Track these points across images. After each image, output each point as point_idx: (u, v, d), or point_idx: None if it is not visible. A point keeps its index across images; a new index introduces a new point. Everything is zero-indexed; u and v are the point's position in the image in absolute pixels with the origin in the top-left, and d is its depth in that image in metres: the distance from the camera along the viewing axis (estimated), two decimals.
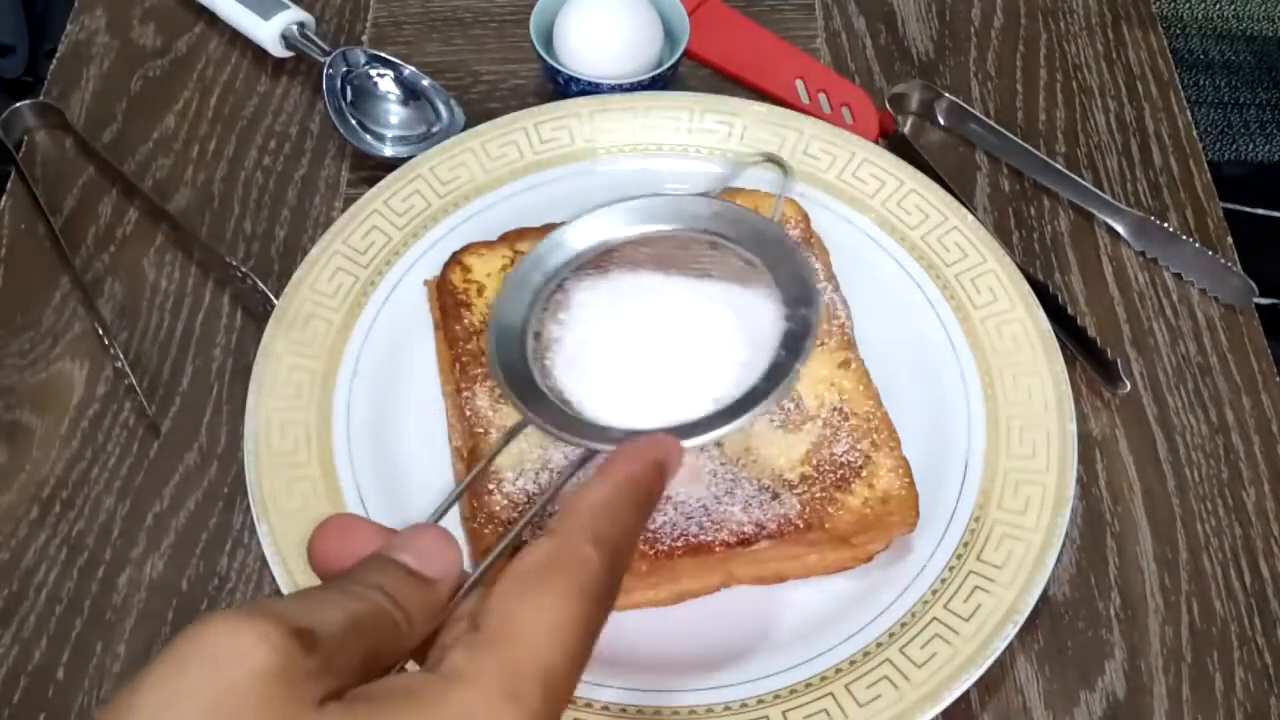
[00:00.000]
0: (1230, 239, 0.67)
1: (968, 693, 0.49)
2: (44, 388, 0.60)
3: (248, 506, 0.53)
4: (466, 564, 0.33)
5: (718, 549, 0.50)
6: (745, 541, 0.50)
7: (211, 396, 0.60)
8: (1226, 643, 0.53)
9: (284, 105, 0.72)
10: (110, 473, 0.57)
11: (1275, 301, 0.69)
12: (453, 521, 0.53)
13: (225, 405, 0.59)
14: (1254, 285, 0.63)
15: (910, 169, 0.64)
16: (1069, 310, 0.62)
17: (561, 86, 0.69)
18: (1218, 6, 1.62)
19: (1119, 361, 0.60)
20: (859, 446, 0.52)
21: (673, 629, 0.51)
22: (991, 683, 0.51)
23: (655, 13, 0.70)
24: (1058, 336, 0.59)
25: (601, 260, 0.47)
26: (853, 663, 0.49)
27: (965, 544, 0.52)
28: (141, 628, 0.53)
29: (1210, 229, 0.67)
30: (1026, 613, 0.50)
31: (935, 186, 0.64)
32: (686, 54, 0.70)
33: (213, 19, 0.75)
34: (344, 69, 0.70)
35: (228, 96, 0.72)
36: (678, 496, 0.51)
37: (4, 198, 0.67)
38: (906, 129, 0.71)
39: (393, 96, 0.70)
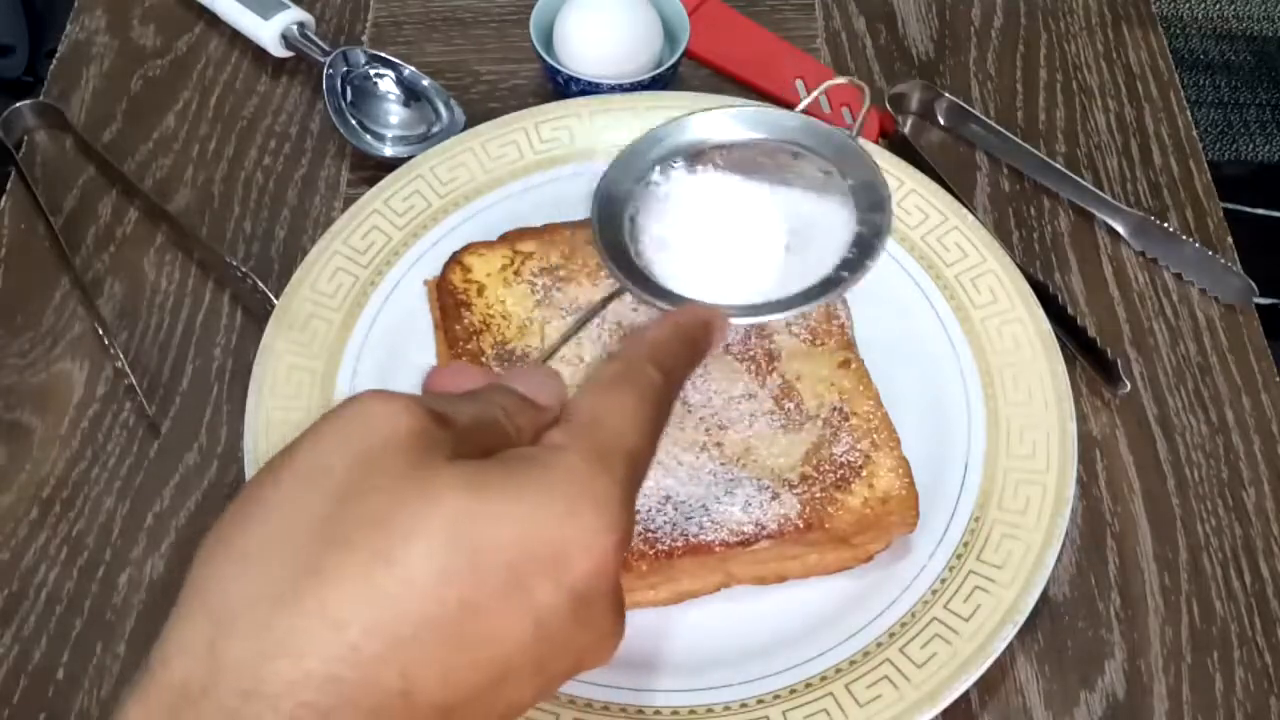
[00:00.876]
0: (1230, 239, 0.67)
1: (968, 693, 0.49)
2: (44, 388, 0.60)
3: None
4: None
5: (718, 549, 0.50)
6: (745, 541, 0.50)
7: (211, 396, 0.60)
8: (1226, 643, 0.53)
9: (284, 105, 0.72)
10: (110, 473, 0.57)
11: (1275, 301, 0.69)
12: None
13: (225, 405, 0.59)
14: (1254, 285, 0.63)
15: (910, 169, 0.64)
16: (1069, 310, 0.62)
17: (561, 86, 0.69)
18: (1218, 6, 1.62)
19: (1119, 361, 0.60)
20: (859, 446, 0.52)
21: (673, 629, 0.51)
22: (991, 683, 0.51)
23: (655, 13, 0.70)
24: (1058, 336, 0.59)
25: (697, 157, 0.50)
26: (853, 663, 0.49)
27: (965, 544, 0.52)
28: (141, 628, 0.53)
29: (1210, 229, 0.67)
30: (1026, 613, 0.50)
31: (935, 186, 0.64)
32: (686, 54, 0.70)
33: (213, 19, 0.75)
34: (344, 69, 0.70)
35: (228, 96, 0.72)
36: (677, 497, 0.51)
37: (4, 198, 0.67)
38: (906, 129, 0.71)
39: (393, 96, 0.70)
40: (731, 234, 0.50)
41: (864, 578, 0.52)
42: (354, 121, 0.69)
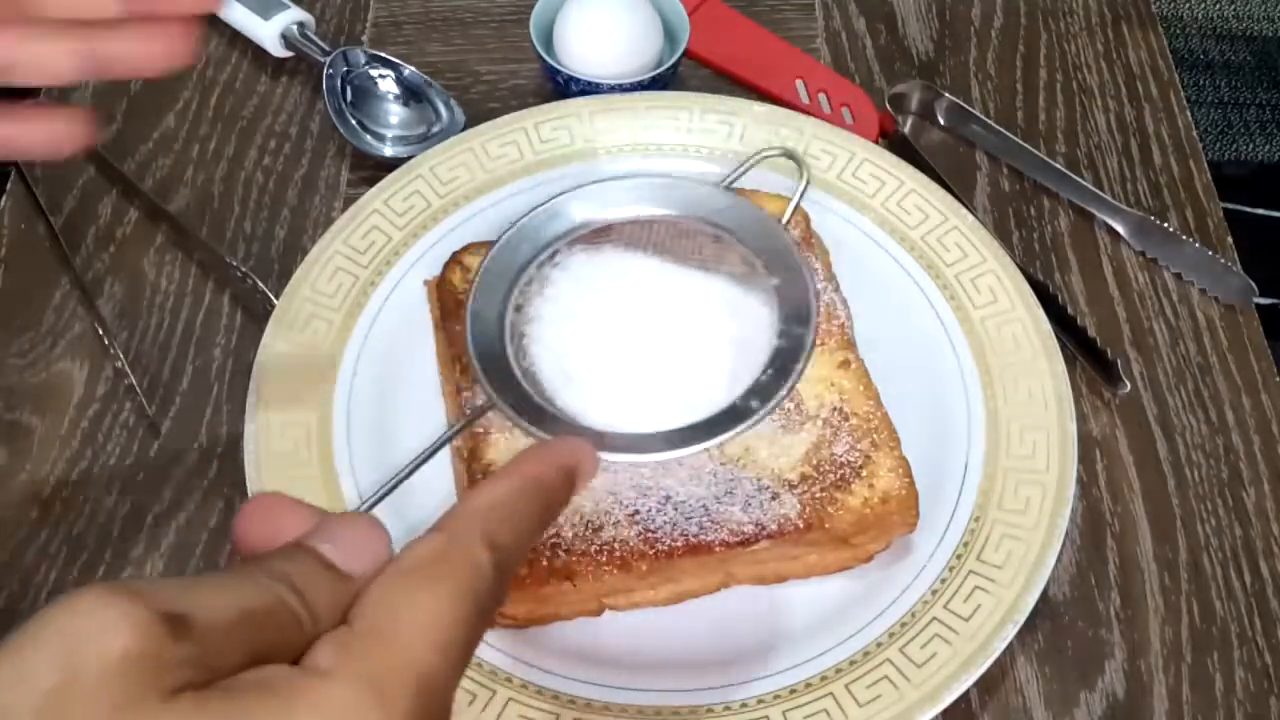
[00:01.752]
0: (1230, 239, 0.67)
1: (968, 693, 0.49)
2: (44, 388, 0.60)
3: None
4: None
5: (718, 549, 0.50)
6: (745, 541, 0.50)
7: (211, 396, 0.60)
8: (1226, 643, 0.53)
9: (284, 105, 0.72)
10: (110, 473, 0.57)
11: (1275, 301, 0.69)
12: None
13: (225, 405, 0.59)
14: (1254, 285, 0.63)
15: (910, 169, 0.64)
16: (1069, 310, 0.62)
17: (561, 86, 0.69)
18: (1218, 6, 1.62)
19: (1119, 361, 0.60)
20: (859, 446, 0.52)
21: (673, 629, 0.51)
22: (991, 683, 0.51)
23: (655, 13, 0.70)
24: (1058, 336, 0.59)
25: (597, 237, 0.44)
26: (853, 663, 0.49)
27: (965, 544, 0.52)
28: None
29: (1210, 229, 0.67)
30: (1026, 613, 0.50)
31: (935, 186, 0.64)
32: (686, 54, 0.70)
33: (213, 19, 0.75)
34: (344, 69, 0.70)
35: (228, 96, 0.72)
36: (677, 497, 0.51)
37: (4, 198, 0.67)
38: (906, 129, 0.71)
39: (393, 96, 0.70)
40: (649, 338, 0.44)
41: (864, 578, 0.52)
42: (354, 121, 0.69)
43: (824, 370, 0.55)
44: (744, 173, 0.55)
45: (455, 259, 0.59)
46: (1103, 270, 0.65)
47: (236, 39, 0.74)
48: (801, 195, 0.46)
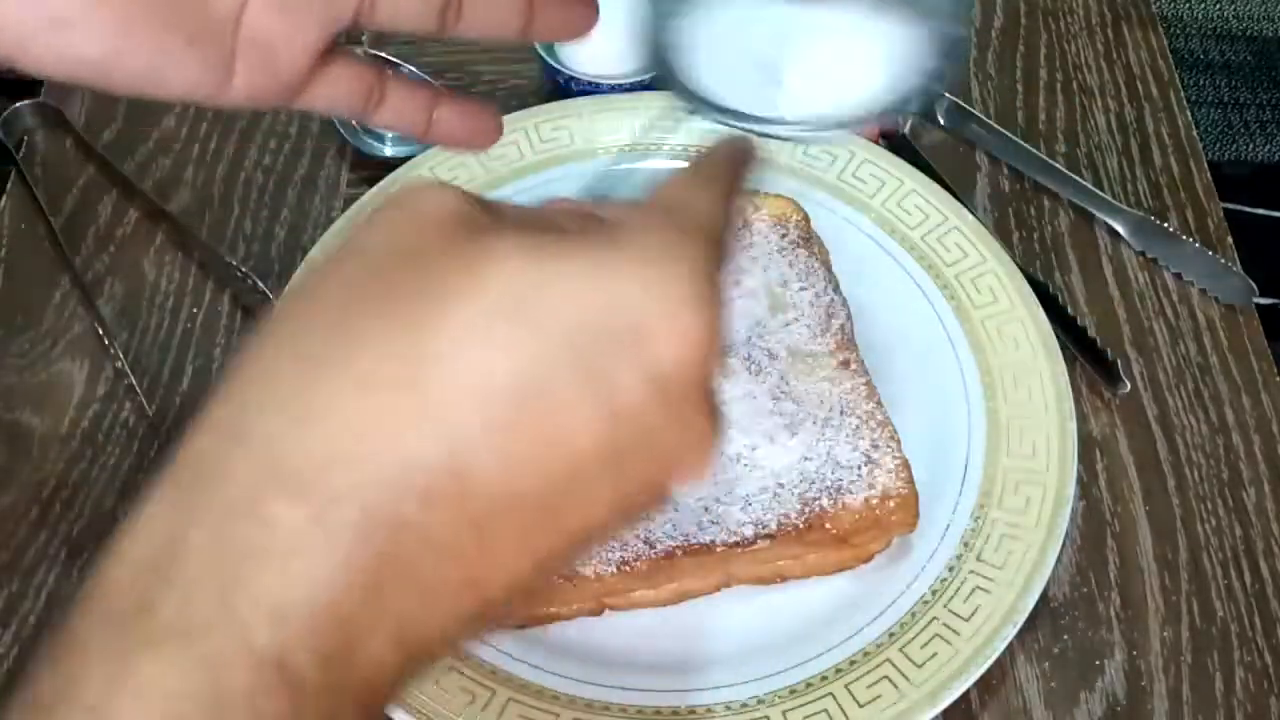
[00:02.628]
0: (1230, 239, 0.67)
1: (968, 693, 0.49)
2: (44, 388, 0.60)
3: None
4: None
5: (718, 549, 0.50)
6: (745, 541, 0.50)
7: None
8: (1226, 643, 0.53)
9: None
10: (110, 473, 0.57)
11: (1275, 301, 0.69)
12: None
13: None
14: (1254, 285, 0.63)
15: (910, 169, 0.64)
16: (1069, 310, 0.62)
17: (561, 86, 0.69)
18: (1218, 6, 1.62)
19: (1119, 361, 0.60)
20: (859, 446, 0.52)
21: (673, 629, 0.51)
22: (991, 683, 0.51)
23: None
24: (1058, 336, 0.59)
25: None
26: (853, 663, 0.49)
27: (965, 544, 0.52)
28: None
29: (1210, 229, 0.67)
30: (1026, 613, 0.50)
31: (935, 186, 0.64)
32: None
33: None
34: None
35: None
36: (678, 496, 0.51)
37: (4, 198, 0.67)
38: (906, 129, 0.71)
39: None
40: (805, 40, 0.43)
41: (864, 578, 0.52)
42: (354, 122, 0.69)
43: (824, 370, 0.55)
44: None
45: None
46: (1103, 270, 0.65)
47: None
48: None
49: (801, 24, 0.45)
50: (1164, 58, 0.75)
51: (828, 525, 0.50)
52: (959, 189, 0.66)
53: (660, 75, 0.41)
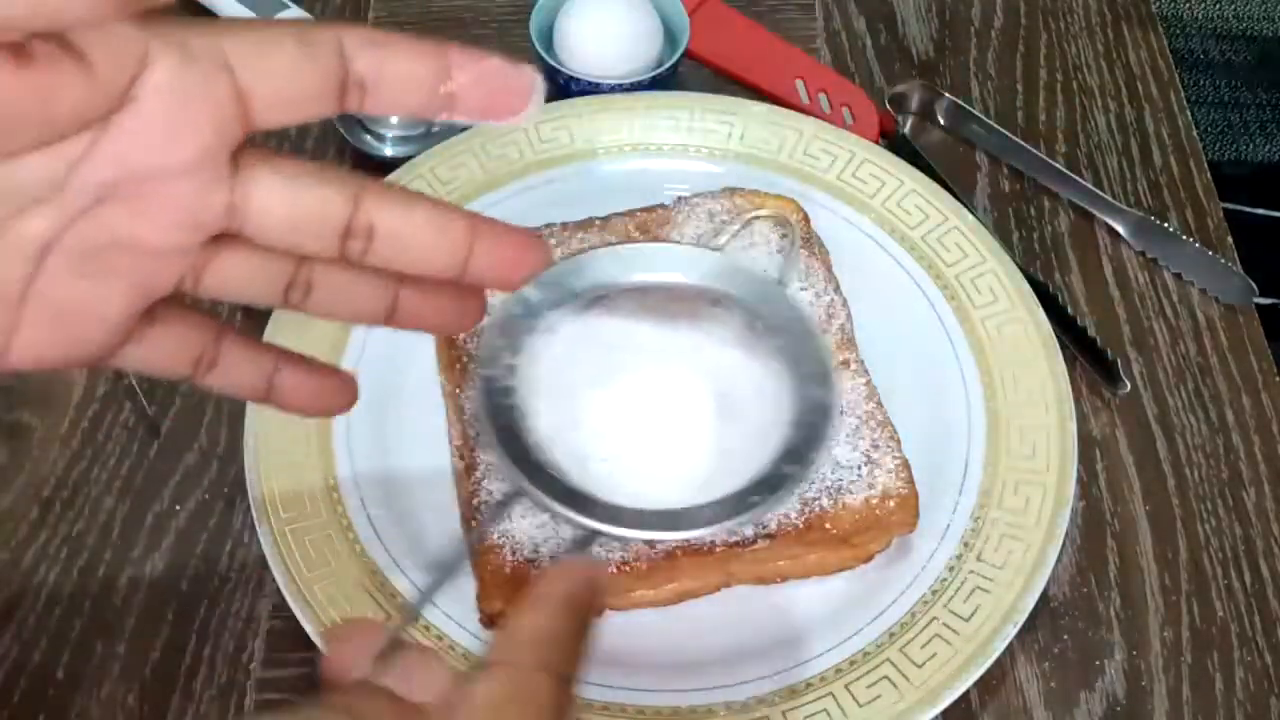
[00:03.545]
0: (1230, 239, 0.67)
1: (968, 693, 0.49)
2: (44, 388, 0.60)
3: (248, 506, 0.53)
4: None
5: (718, 549, 0.50)
6: (745, 541, 0.50)
7: (212, 396, 0.60)
8: (1226, 643, 0.53)
9: None
10: (110, 473, 0.57)
11: (1275, 301, 0.69)
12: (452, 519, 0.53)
13: (225, 405, 0.59)
14: (1254, 285, 0.63)
15: (910, 169, 0.64)
16: (1069, 310, 0.62)
17: (561, 86, 0.69)
18: (1218, 6, 1.62)
19: (1119, 361, 0.60)
20: (859, 446, 0.52)
21: (673, 629, 0.51)
22: (991, 683, 0.51)
23: (655, 13, 0.70)
24: (1058, 336, 0.59)
25: (594, 306, 0.42)
26: (853, 663, 0.49)
27: (965, 544, 0.52)
28: (141, 628, 0.53)
29: (1210, 229, 0.67)
30: (1026, 613, 0.50)
31: (935, 186, 0.64)
32: (686, 54, 0.70)
33: (212, 19, 0.75)
34: None
35: None
36: None
37: None
38: (906, 129, 0.71)
39: None
40: (657, 412, 0.42)
41: (864, 578, 0.52)
42: (354, 121, 0.69)
43: None
44: (737, 233, 0.56)
45: None
46: (1103, 270, 0.65)
47: None
48: (792, 254, 0.47)
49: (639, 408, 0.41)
50: (1164, 58, 0.75)
51: (828, 525, 0.50)
52: (959, 189, 0.66)
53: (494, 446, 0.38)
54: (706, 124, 0.66)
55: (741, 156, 0.65)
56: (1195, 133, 0.71)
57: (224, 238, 0.31)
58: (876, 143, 0.67)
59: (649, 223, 0.60)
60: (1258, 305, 0.64)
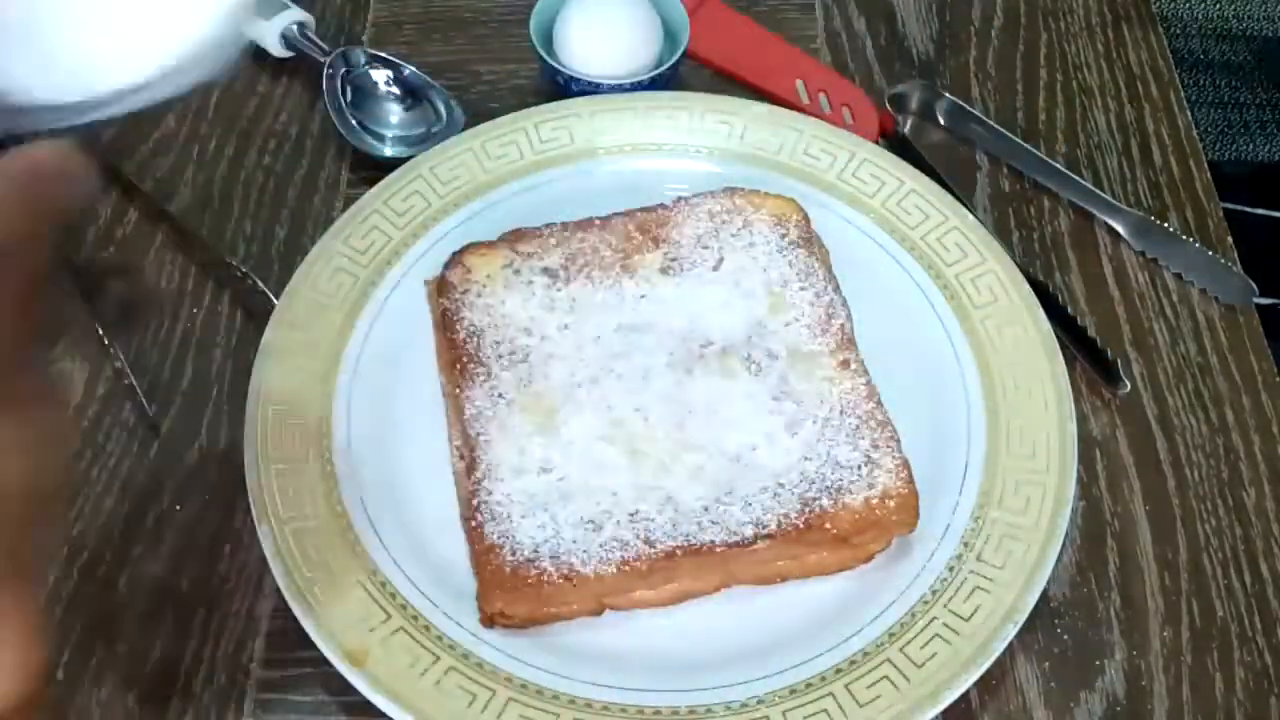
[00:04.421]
0: (1230, 239, 0.67)
1: (968, 693, 0.49)
2: None
3: (248, 506, 0.53)
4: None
5: (718, 549, 0.50)
6: (745, 541, 0.50)
7: (211, 396, 0.60)
8: (1226, 643, 0.53)
9: (284, 105, 0.72)
10: (110, 473, 0.57)
11: (1275, 301, 0.69)
12: (453, 516, 0.54)
13: (225, 405, 0.59)
14: (1254, 285, 0.63)
15: (910, 169, 0.64)
16: (1069, 310, 0.62)
17: (561, 86, 0.69)
18: (1218, 6, 1.62)
19: (1119, 361, 0.60)
20: (859, 446, 0.52)
21: (673, 629, 0.51)
22: (991, 683, 0.51)
23: (655, 13, 0.70)
24: (1058, 336, 0.59)
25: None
26: (853, 663, 0.49)
27: (965, 544, 0.52)
28: (141, 628, 0.53)
29: (1210, 229, 0.67)
30: (1026, 613, 0.50)
31: (935, 186, 0.64)
32: (686, 54, 0.70)
33: None
34: (344, 69, 0.70)
35: (228, 97, 0.72)
36: (677, 496, 0.51)
37: None
38: (906, 129, 0.71)
39: (393, 97, 0.70)
40: None
41: (864, 578, 0.52)
42: (354, 121, 0.69)
43: (824, 370, 0.55)
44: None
45: (455, 259, 0.59)
46: (1103, 270, 0.65)
47: None
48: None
49: None
50: (1164, 58, 0.75)
51: (828, 525, 0.50)
52: (959, 189, 0.66)
53: None
54: (706, 124, 0.66)
55: (741, 156, 0.65)
56: (1195, 133, 0.71)
57: None
58: (876, 143, 0.67)
59: (649, 223, 0.60)
60: (1258, 305, 0.63)
